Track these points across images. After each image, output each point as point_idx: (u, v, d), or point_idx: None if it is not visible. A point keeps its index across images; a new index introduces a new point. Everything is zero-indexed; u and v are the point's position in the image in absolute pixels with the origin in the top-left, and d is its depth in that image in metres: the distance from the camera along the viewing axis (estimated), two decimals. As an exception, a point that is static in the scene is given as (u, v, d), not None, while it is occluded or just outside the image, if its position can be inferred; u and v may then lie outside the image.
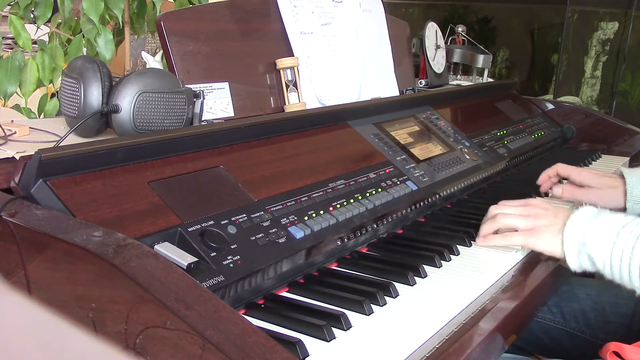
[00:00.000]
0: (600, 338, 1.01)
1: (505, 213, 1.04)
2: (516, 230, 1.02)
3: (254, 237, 0.83)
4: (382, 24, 1.56)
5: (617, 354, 0.92)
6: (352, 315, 0.77)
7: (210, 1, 1.54)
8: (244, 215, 0.86)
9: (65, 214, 0.72)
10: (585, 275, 1.01)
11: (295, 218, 0.91)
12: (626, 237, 0.91)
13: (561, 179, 1.34)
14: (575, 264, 0.97)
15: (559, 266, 1.04)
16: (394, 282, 0.86)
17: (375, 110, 1.32)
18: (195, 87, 1.05)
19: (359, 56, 1.44)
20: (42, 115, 1.80)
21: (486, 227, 1.04)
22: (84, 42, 1.69)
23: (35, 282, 0.69)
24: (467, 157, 1.41)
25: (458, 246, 1.03)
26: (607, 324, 1.22)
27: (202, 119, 1.02)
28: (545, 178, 1.33)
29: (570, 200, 1.28)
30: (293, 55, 1.27)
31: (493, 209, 1.07)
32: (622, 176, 1.25)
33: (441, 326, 0.79)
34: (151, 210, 0.78)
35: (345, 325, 0.75)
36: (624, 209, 1.23)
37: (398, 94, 1.57)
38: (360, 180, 1.08)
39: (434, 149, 1.35)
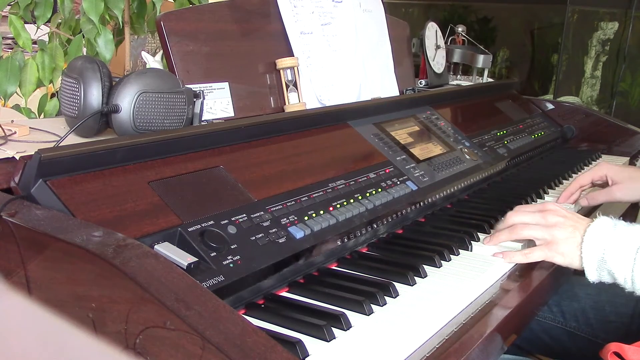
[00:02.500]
0: (600, 337, 1.01)
1: (523, 223, 1.03)
2: (532, 240, 1.02)
3: (254, 237, 0.83)
4: (382, 24, 1.56)
5: (618, 354, 0.92)
6: (352, 315, 0.77)
7: (210, 1, 1.54)
8: (244, 215, 0.86)
9: (65, 214, 0.72)
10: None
11: (295, 218, 0.91)
12: None
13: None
14: (594, 278, 0.97)
15: (558, 266, 1.04)
16: (394, 282, 0.86)
17: (375, 110, 1.32)
18: (195, 87, 1.05)
19: (359, 56, 1.44)
20: (42, 115, 1.80)
21: (503, 237, 1.03)
22: (84, 42, 1.69)
23: (35, 282, 0.69)
24: (467, 157, 1.41)
25: (458, 246, 1.02)
26: (607, 323, 1.22)
27: (202, 119, 1.02)
28: (567, 195, 1.32)
29: (595, 205, 1.30)
30: (293, 55, 1.27)
31: (511, 217, 1.05)
32: None
33: (441, 326, 0.79)
34: (151, 210, 0.78)
35: (345, 325, 0.75)
36: None
37: (398, 94, 1.57)
38: (360, 180, 1.08)
39: (434, 149, 1.35)
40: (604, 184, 1.30)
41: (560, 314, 1.27)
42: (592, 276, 0.97)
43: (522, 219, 1.03)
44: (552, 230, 1.00)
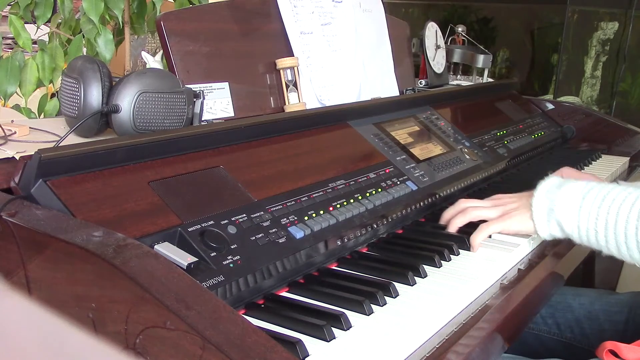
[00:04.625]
0: (596, 346, 1.01)
1: (475, 206, 1.09)
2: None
3: (254, 237, 0.83)
4: (382, 24, 1.56)
5: (613, 353, 0.93)
6: (352, 315, 0.77)
7: (210, 1, 1.54)
8: (244, 215, 0.86)
9: (65, 214, 0.72)
10: (581, 284, 1.02)
11: (295, 218, 0.91)
12: (592, 200, 0.95)
13: None
14: (545, 232, 1.01)
15: (558, 266, 1.04)
16: (394, 282, 0.86)
17: (375, 110, 1.32)
18: (195, 87, 1.05)
19: (359, 56, 1.44)
20: (42, 115, 1.80)
21: (458, 222, 1.08)
22: (84, 42, 1.69)
23: (35, 282, 0.69)
24: (467, 157, 1.41)
25: (458, 246, 1.02)
26: (602, 332, 1.23)
27: (202, 119, 1.02)
28: None
29: None
30: (293, 55, 1.27)
31: (461, 203, 1.11)
32: None
33: (441, 326, 0.79)
34: (151, 210, 0.78)
35: (345, 325, 0.75)
36: None
37: (398, 94, 1.57)
38: (360, 180, 1.08)
39: (434, 149, 1.35)
40: None
41: (555, 326, 1.28)
42: (542, 230, 1.00)
43: (473, 203, 1.10)
44: (503, 207, 1.06)
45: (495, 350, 0.82)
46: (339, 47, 1.39)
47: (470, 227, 1.10)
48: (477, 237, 1.03)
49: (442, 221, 1.11)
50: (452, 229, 1.08)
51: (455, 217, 1.09)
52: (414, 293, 0.86)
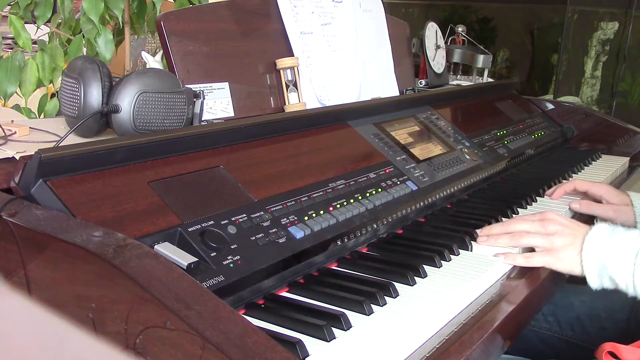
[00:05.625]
0: (596, 345, 1.01)
1: (525, 231, 1.04)
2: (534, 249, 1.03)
3: (254, 237, 0.83)
4: (382, 24, 1.56)
5: (612, 354, 0.93)
6: (352, 315, 0.77)
7: (210, 1, 1.54)
8: (244, 215, 0.86)
9: (65, 214, 0.72)
10: (580, 282, 1.01)
11: (295, 218, 0.91)
12: None
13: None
14: (596, 284, 0.98)
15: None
16: (394, 282, 0.86)
17: (375, 110, 1.32)
18: (195, 87, 1.05)
19: (359, 56, 1.44)
20: (42, 115, 1.80)
21: (502, 241, 1.04)
22: (84, 42, 1.69)
23: (35, 282, 0.69)
24: (467, 157, 1.41)
25: (458, 246, 1.02)
26: (603, 330, 1.23)
27: (202, 119, 1.02)
28: (561, 193, 1.34)
29: (587, 214, 1.30)
30: (293, 55, 1.27)
31: (511, 224, 1.06)
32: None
33: (441, 326, 0.79)
34: (151, 210, 0.78)
35: (345, 325, 0.75)
36: (634, 226, 1.25)
37: (398, 94, 1.57)
38: (360, 180, 1.08)
39: (434, 149, 1.35)
40: (597, 201, 1.32)
41: (557, 324, 1.28)
42: (594, 283, 0.98)
43: (522, 227, 1.05)
44: (552, 238, 1.01)
45: (495, 350, 0.82)
46: (339, 47, 1.39)
47: (471, 227, 1.10)
48: (518, 261, 1.00)
49: (483, 232, 1.07)
50: (494, 244, 1.04)
51: (501, 235, 1.05)
52: (414, 293, 0.86)
